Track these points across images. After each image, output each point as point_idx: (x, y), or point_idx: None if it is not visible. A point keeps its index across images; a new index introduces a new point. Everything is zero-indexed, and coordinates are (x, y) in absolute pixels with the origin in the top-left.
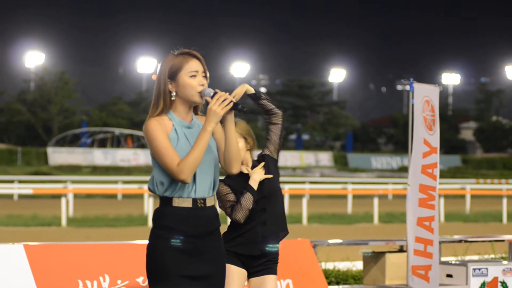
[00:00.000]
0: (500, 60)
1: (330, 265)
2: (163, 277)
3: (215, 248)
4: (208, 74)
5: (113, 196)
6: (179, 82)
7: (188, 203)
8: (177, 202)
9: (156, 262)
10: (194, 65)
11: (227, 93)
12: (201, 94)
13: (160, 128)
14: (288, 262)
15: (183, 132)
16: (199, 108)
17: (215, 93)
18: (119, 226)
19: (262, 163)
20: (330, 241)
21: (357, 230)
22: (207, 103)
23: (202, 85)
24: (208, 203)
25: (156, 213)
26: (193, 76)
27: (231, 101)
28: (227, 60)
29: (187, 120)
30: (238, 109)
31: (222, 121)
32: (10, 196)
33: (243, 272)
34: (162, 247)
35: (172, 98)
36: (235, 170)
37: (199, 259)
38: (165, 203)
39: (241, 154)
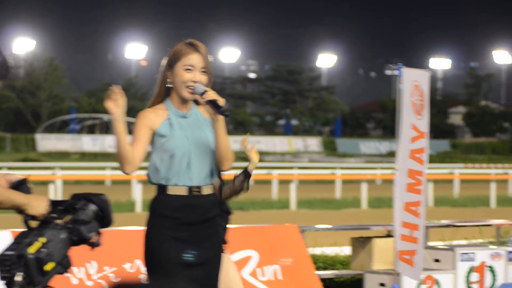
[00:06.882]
0: (489, 45)
1: (318, 250)
2: (160, 265)
3: (211, 236)
4: (210, 70)
5: (101, 182)
6: (174, 72)
7: (183, 191)
8: (172, 190)
9: (153, 251)
10: (193, 58)
11: (215, 93)
12: (193, 90)
13: (144, 121)
14: (276, 247)
15: (178, 122)
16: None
17: (205, 92)
18: None
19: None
20: (318, 226)
21: (345, 215)
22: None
23: (195, 81)
24: (205, 192)
25: (152, 201)
26: (188, 70)
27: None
28: (216, 45)
29: (183, 110)
30: (220, 111)
31: (212, 122)
32: None
33: None
34: (158, 235)
35: (167, 85)
36: (225, 168)
37: (195, 246)
38: (160, 191)
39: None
